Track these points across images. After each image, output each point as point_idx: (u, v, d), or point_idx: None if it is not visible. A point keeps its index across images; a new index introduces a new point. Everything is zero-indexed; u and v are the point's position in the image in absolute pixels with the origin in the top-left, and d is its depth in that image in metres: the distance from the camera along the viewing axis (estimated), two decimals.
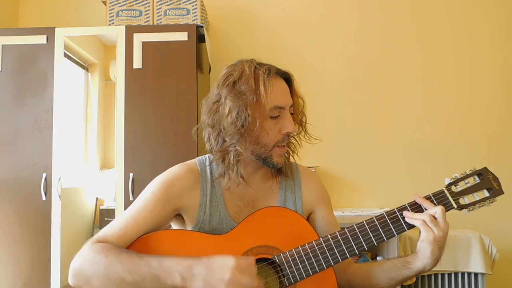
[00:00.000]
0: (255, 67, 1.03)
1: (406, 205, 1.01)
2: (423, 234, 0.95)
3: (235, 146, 1.00)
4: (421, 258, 0.97)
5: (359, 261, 2.26)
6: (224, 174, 1.05)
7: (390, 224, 0.99)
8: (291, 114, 1.06)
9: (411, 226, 0.99)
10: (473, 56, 2.63)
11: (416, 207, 1.00)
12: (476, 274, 2.20)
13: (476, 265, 2.17)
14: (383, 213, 1.00)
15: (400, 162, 2.59)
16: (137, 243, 0.98)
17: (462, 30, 2.65)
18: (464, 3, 2.66)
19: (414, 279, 2.20)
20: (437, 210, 0.96)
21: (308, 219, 1.16)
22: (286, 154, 1.09)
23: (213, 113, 1.03)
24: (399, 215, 1.00)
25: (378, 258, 2.29)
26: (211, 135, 1.05)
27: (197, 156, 1.16)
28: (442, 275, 2.23)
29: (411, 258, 1.00)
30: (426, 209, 0.99)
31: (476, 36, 2.64)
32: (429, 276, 2.25)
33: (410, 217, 0.98)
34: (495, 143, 2.58)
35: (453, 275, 2.22)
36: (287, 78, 1.08)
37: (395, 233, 0.99)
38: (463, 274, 2.22)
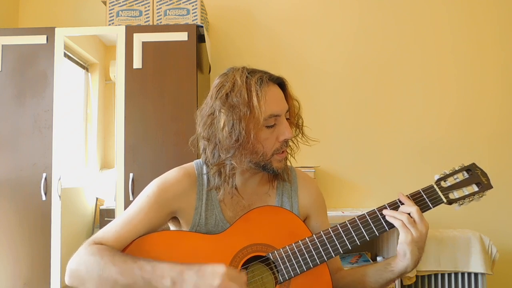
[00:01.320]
0: (247, 76, 1.01)
1: (386, 205, 1.03)
2: (401, 235, 0.97)
3: (231, 160, 1.00)
4: (402, 260, 0.99)
5: (359, 261, 2.26)
6: (219, 187, 1.04)
7: (371, 224, 1.01)
8: (287, 119, 1.05)
9: (391, 226, 1.00)
10: (473, 56, 2.63)
11: (396, 207, 1.02)
12: (476, 274, 2.20)
13: (476, 265, 2.18)
14: (364, 214, 1.02)
15: (400, 162, 2.59)
16: (134, 245, 0.99)
17: (462, 30, 2.65)
18: (464, 3, 2.66)
19: (414, 279, 2.20)
20: (412, 210, 0.98)
21: None
22: (284, 159, 1.08)
23: (208, 126, 1.02)
24: (379, 215, 1.01)
25: (378, 258, 2.29)
26: (207, 148, 1.04)
27: (197, 157, 1.16)
28: (442, 275, 2.24)
29: (392, 260, 1.02)
30: (402, 204, 1.00)
31: (476, 36, 2.64)
32: (429, 276, 2.25)
33: (389, 215, 1.00)
34: (495, 143, 2.57)
35: (453, 275, 2.23)
36: (281, 83, 1.06)
37: (376, 233, 1.00)
38: (463, 274, 2.22)
